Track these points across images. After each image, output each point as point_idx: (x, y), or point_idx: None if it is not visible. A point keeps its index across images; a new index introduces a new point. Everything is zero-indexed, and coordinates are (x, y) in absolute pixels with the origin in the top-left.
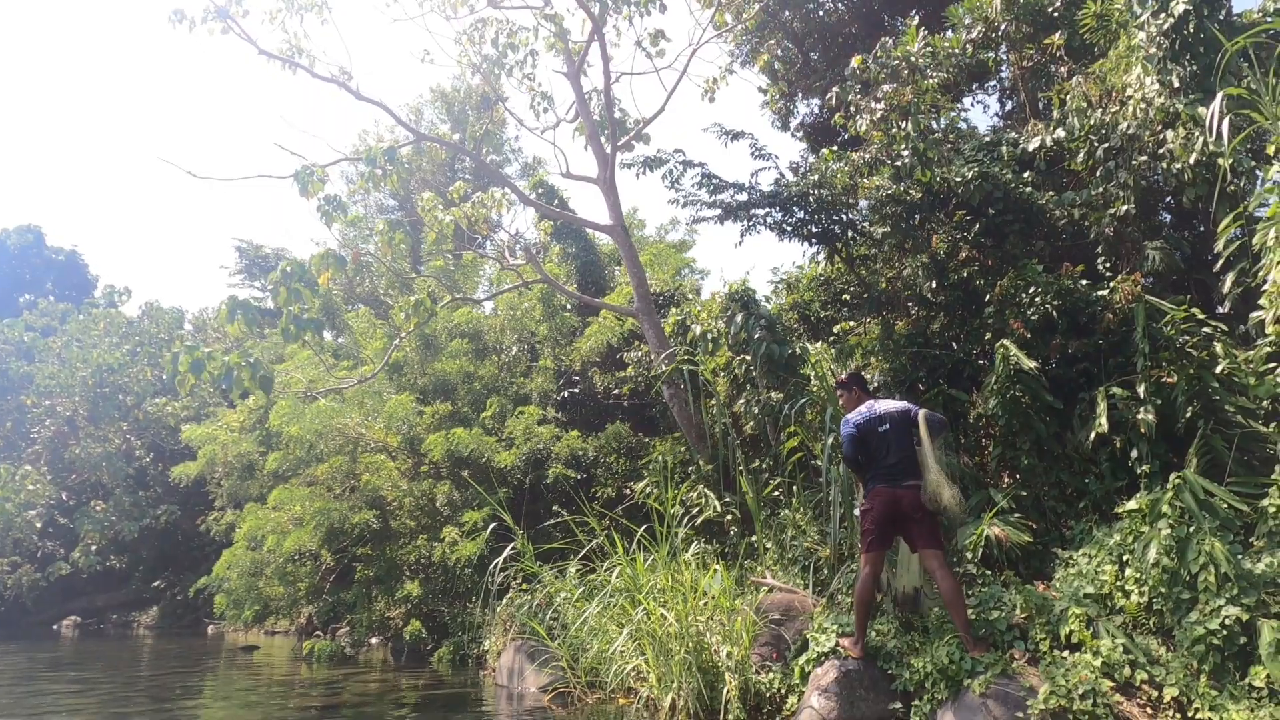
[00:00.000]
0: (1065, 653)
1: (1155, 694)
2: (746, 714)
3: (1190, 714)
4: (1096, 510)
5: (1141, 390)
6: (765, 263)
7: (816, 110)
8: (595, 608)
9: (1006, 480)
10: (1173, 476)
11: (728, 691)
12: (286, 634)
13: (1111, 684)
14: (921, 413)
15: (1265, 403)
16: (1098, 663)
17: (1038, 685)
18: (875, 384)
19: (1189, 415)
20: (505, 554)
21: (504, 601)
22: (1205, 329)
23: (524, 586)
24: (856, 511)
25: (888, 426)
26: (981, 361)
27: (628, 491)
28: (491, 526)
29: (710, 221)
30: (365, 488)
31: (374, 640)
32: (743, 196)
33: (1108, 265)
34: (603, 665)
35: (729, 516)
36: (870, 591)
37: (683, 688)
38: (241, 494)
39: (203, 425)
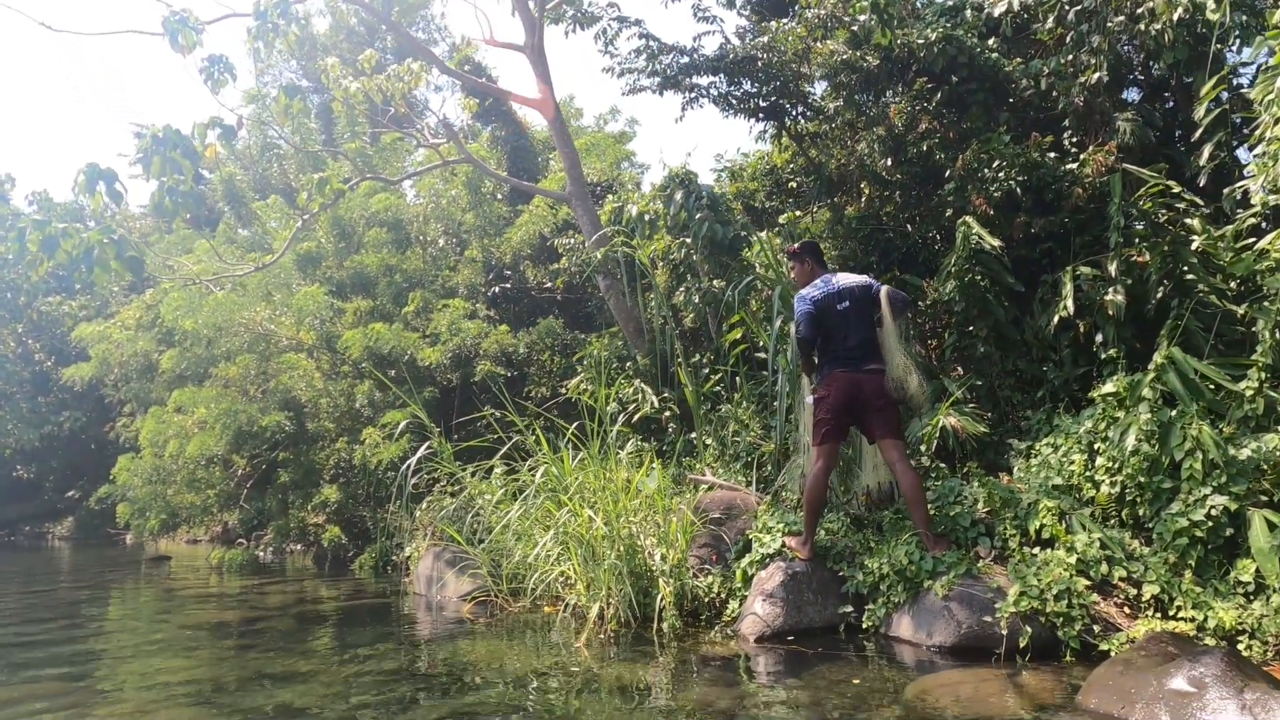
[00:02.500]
0: (1035, 549)
1: (1134, 592)
2: (682, 621)
3: (1172, 613)
4: (1054, 399)
5: (1113, 268)
6: (708, 148)
7: None
8: (517, 510)
9: (958, 370)
10: (1157, 355)
11: (662, 598)
12: (208, 542)
13: (1087, 582)
14: (884, 289)
15: (1234, 282)
16: (1072, 560)
17: (1006, 586)
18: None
19: (1160, 296)
20: (420, 453)
21: (424, 505)
22: (1179, 204)
23: (448, 489)
24: (809, 400)
25: (847, 304)
26: (938, 245)
27: (562, 390)
28: (412, 427)
29: (648, 91)
30: (277, 388)
31: (296, 548)
32: (684, 60)
33: (1074, 140)
34: (526, 572)
35: (667, 413)
36: (823, 488)
37: (612, 595)
38: (145, 397)
39: (93, 323)
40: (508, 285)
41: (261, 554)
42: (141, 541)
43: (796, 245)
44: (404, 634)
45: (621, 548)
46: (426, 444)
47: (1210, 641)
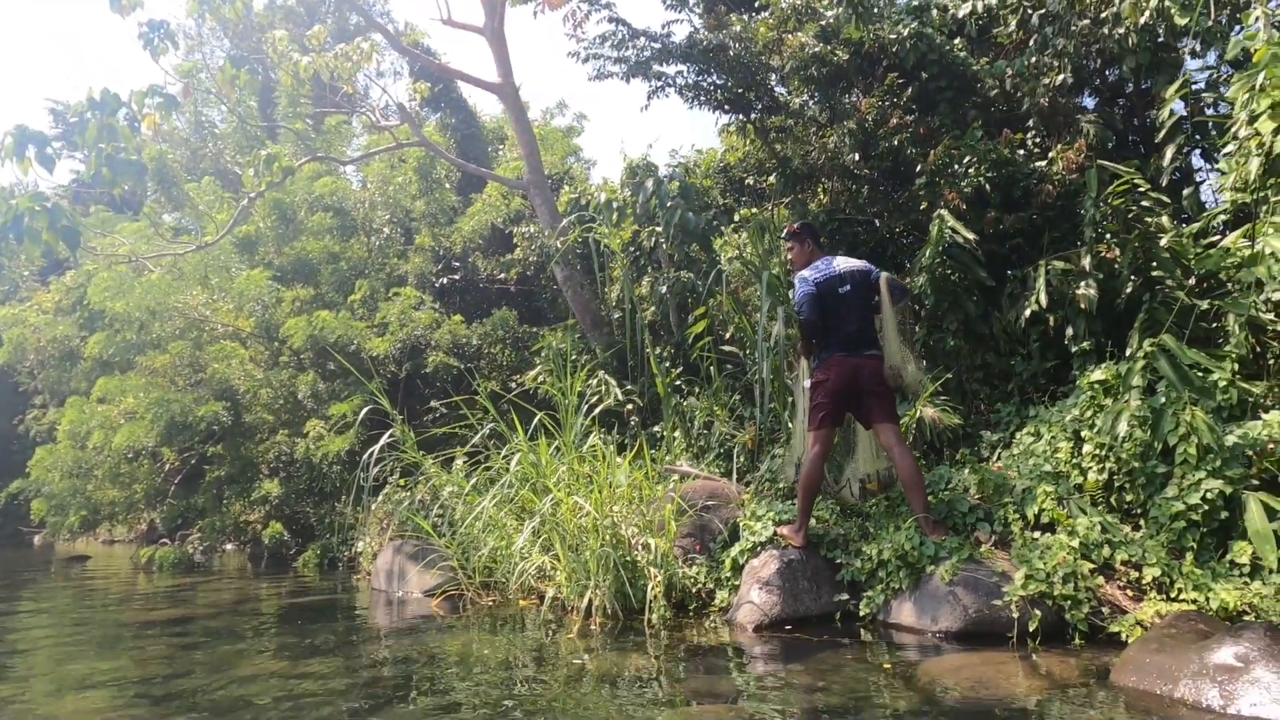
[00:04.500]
0: (1035, 534)
1: (1135, 575)
2: (670, 612)
3: (1174, 595)
4: (1022, 393)
5: (1086, 263)
6: (662, 143)
7: None
8: (491, 500)
9: (925, 364)
10: (1136, 344)
11: (653, 588)
12: (128, 542)
13: (1090, 565)
14: (883, 275)
15: (1193, 279)
16: (1074, 543)
17: (1009, 570)
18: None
19: (1129, 291)
20: (382, 442)
21: (380, 498)
22: (1145, 202)
23: (402, 482)
24: (806, 384)
25: (848, 287)
26: (907, 239)
27: (514, 384)
28: (363, 416)
29: (615, 78)
30: (213, 378)
31: (229, 546)
32: (656, 46)
33: (1037, 140)
34: (499, 564)
35: (630, 406)
36: (819, 474)
37: (599, 586)
38: (63, 387)
39: (6, 306)
40: (457, 277)
41: (191, 552)
42: (53, 541)
43: (796, 225)
44: (369, 630)
45: (606, 537)
46: (390, 433)
47: None
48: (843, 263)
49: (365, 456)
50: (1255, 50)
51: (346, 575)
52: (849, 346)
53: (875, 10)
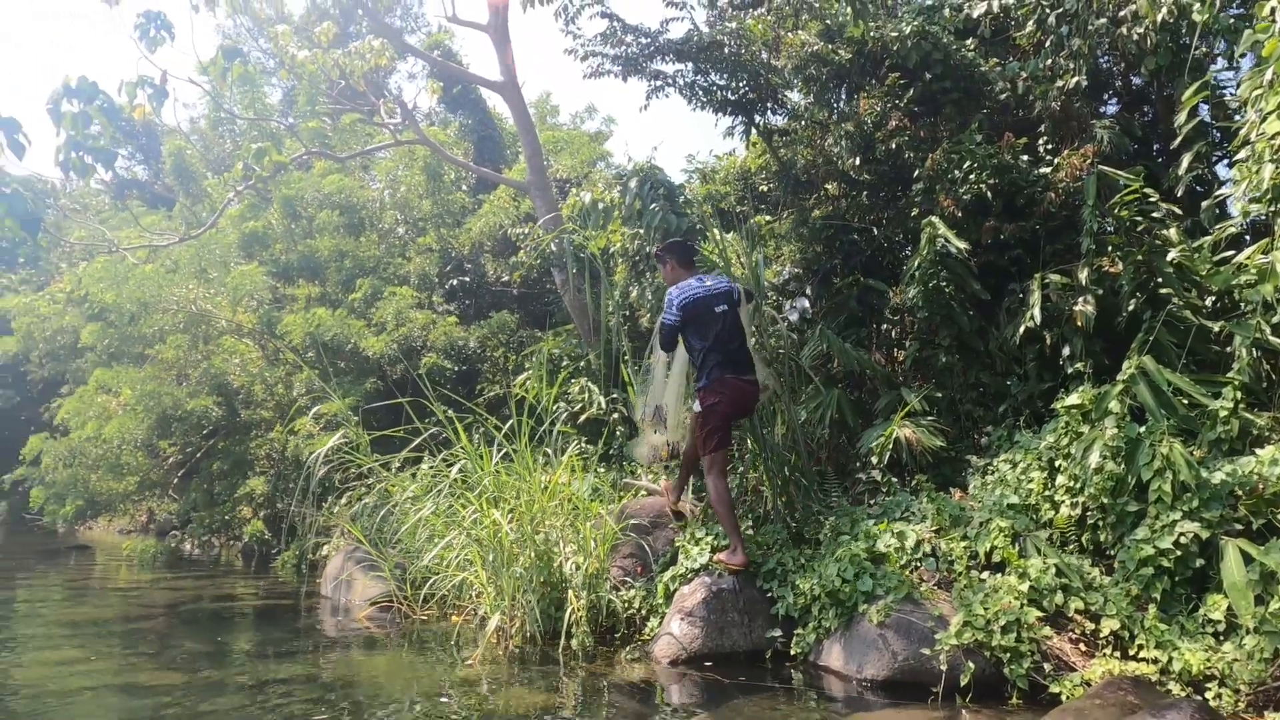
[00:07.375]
0: (985, 574)
1: (1091, 627)
2: (596, 638)
3: (1133, 652)
4: (1016, 415)
5: (1084, 276)
6: (683, 147)
7: None
8: (429, 509)
9: (919, 382)
10: (1127, 365)
11: (573, 612)
12: (136, 532)
13: (1040, 614)
14: (739, 285)
15: (1210, 298)
16: (1024, 587)
17: (949, 614)
18: (786, 275)
19: (1132, 309)
20: (331, 443)
21: (345, 501)
22: (1156, 213)
23: (372, 483)
24: (696, 407)
25: (725, 306)
26: (905, 249)
27: (515, 389)
28: (351, 420)
29: (612, 76)
30: (210, 371)
31: (225, 541)
32: (646, 41)
33: (1049, 146)
34: (436, 576)
35: (615, 415)
36: (726, 490)
37: (518, 606)
38: (72, 376)
39: (20, 295)
40: (466, 278)
41: (188, 546)
42: (75, 529)
43: (660, 246)
44: (288, 642)
45: (534, 554)
46: (340, 433)
47: (1175, 688)
48: (715, 281)
49: (311, 458)
50: (1266, 44)
51: (314, 579)
52: (737, 368)
53: (876, 7)
